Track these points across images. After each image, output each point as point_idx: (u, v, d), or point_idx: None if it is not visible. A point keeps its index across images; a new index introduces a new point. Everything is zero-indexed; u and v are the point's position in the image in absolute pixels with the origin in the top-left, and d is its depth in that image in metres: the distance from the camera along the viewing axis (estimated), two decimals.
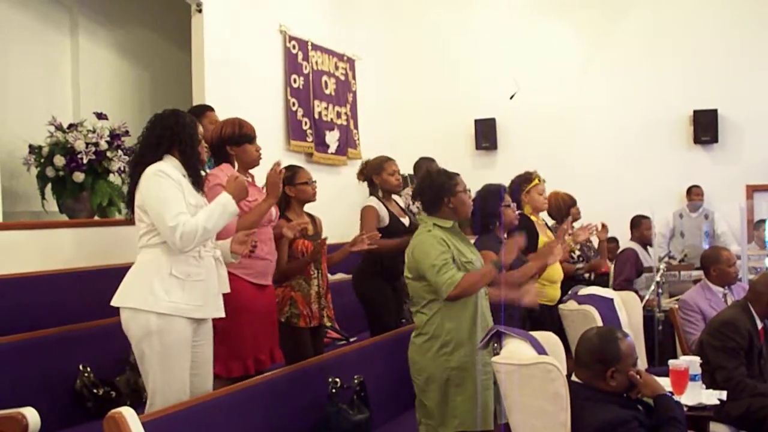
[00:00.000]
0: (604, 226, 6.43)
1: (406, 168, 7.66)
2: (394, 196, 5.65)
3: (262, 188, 4.38)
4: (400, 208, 5.60)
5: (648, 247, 7.73)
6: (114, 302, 3.56)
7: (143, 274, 3.53)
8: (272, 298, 4.48)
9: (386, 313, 5.34)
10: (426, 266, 3.83)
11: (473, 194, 4.65)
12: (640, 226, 7.68)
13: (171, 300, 3.48)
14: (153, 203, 3.51)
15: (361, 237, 4.89)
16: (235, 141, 4.32)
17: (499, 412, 3.89)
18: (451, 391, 3.84)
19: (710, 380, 4.56)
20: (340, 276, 6.47)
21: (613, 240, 8.28)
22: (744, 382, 4.52)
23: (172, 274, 3.51)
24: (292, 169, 4.81)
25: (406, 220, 5.47)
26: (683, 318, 5.76)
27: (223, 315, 3.75)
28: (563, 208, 6.37)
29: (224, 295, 3.80)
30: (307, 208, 4.91)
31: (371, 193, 5.49)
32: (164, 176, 3.51)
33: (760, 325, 4.78)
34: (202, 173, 4.40)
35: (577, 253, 6.19)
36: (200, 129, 3.76)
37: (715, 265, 5.71)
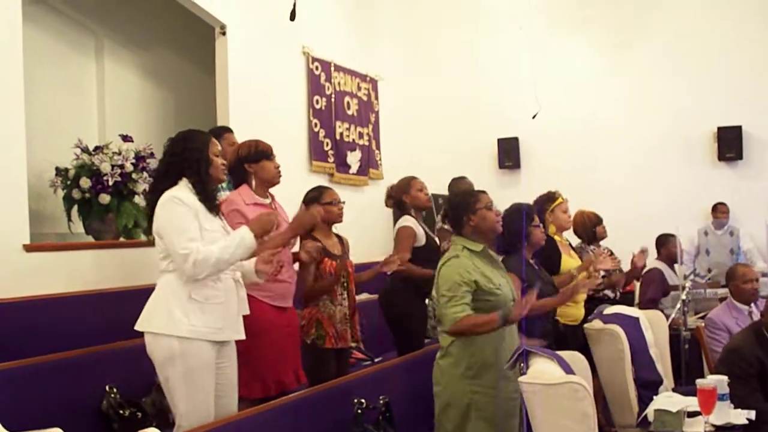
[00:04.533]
0: (643, 252, 6.36)
1: (429, 188, 7.65)
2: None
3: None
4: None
5: (675, 266, 7.68)
6: (138, 326, 3.60)
7: (163, 298, 3.57)
8: (293, 320, 4.49)
9: (414, 334, 5.33)
10: (440, 293, 3.84)
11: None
12: (667, 244, 7.63)
13: (191, 323, 3.51)
14: (166, 230, 3.55)
15: (393, 258, 4.89)
16: (252, 158, 4.34)
17: None
18: (472, 415, 3.82)
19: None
20: (365, 296, 6.47)
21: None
22: (761, 408, 4.41)
23: (191, 297, 3.53)
24: (319, 189, 4.83)
25: (438, 240, 5.51)
26: (709, 336, 5.70)
27: (243, 337, 3.77)
28: (589, 226, 6.34)
29: (244, 317, 3.81)
30: None
31: (404, 213, 5.47)
32: (178, 203, 3.53)
33: None
34: (220, 194, 4.46)
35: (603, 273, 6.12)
36: (215, 147, 3.74)
37: (731, 281, 5.69)
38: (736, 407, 4.33)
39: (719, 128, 9.33)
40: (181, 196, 3.55)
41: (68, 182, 5.71)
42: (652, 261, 7.85)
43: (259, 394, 4.14)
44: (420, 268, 5.20)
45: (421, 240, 5.34)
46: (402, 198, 5.45)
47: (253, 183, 4.37)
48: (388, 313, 5.44)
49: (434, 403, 3.98)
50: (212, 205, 3.69)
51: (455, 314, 3.75)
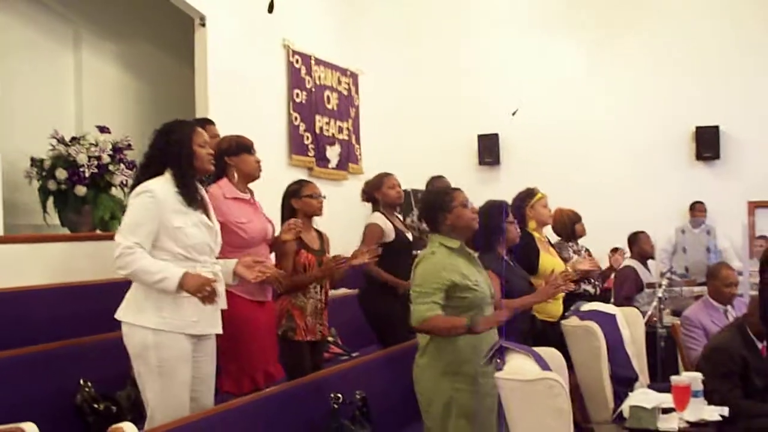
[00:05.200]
0: (617, 252, 6.41)
1: (409, 184, 7.68)
2: (397, 215, 5.68)
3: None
4: (403, 224, 5.65)
5: (648, 263, 7.71)
6: (116, 315, 3.58)
7: (139, 289, 3.54)
8: (272, 314, 4.49)
9: (397, 329, 5.33)
10: (413, 287, 3.84)
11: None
12: (638, 241, 7.67)
13: (163, 316, 3.48)
14: (125, 215, 3.56)
15: (362, 251, 4.88)
16: (233, 152, 4.35)
17: None
18: (454, 412, 3.80)
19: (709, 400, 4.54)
20: (343, 291, 6.45)
21: (618, 249, 8.23)
22: (739, 405, 4.45)
23: None
24: (299, 183, 4.82)
25: (410, 236, 5.55)
26: (685, 334, 5.74)
27: (220, 331, 3.74)
28: (568, 224, 6.35)
29: (227, 313, 3.79)
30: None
31: (374, 210, 5.51)
32: (147, 196, 3.49)
33: (760, 345, 4.74)
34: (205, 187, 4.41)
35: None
36: (201, 138, 3.69)
37: (712, 280, 5.73)
38: (715, 403, 4.37)
39: (697, 128, 9.42)
40: (154, 188, 3.51)
41: (44, 173, 5.66)
42: (625, 259, 7.90)
43: (249, 388, 4.14)
44: (388, 274, 5.29)
45: (390, 235, 5.38)
46: (374, 194, 5.49)
47: (234, 177, 4.35)
48: (367, 314, 5.49)
49: (418, 403, 3.96)
50: (193, 200, 3.62)
51: (424, 312, 3.74)
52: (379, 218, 5.42)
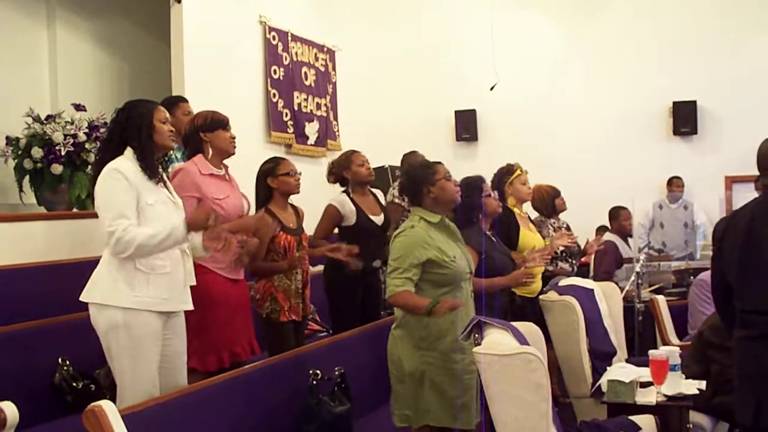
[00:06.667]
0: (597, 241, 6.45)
1: (386, 160, 7.69)
2: (377, 192, 5.61)
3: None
4: (379, 204, 5.52)
5: (628, 239, 7.76)
6: (82, 297, 3.55)
7: (108, 268, 3.51)
8: (245, 291, 4.47)
9: (347, 309, 5.30)
10: (391, 259, 3.87)
11: None
12: (618, 217, 7.70)
13: (135, 294, 3.47)
14: (100, 203, 3.49)
15: (339, 246, 4.86)
16: (207, 128, 4.29)
17: (477, 410, 3.89)
18: (427, 385, 3.82)
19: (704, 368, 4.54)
20: (319, 268, 6.43)
21: (604, 228, 8.27)
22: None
23: (137, 267, 3.48)
24: (274, 161, 4.76)
25: (379, 219, 5.39)
26: (698, 295, 5.78)
27: (190, 308, 3.73)
28: (547, 199, 6.37)
29: (197, 288, 3.77)
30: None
31: (346, 189, 5.43)
32: (117, 176, 3.45)
33: None
34: (173, 164, 4.38)
35: (561, 249, 6.12)
36: (161, 115, 3.66)
37: None
38: (713, 370, 4.41)
39: (674, 103, 9.45)
40: (122, 168, 3.48)
41: (19, 152, 5.61)
42: (605, 234, 7.94)
43: (214, 366, 4.12)
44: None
45: (350, 219, 5.27)
46: (343, 174, 5.41)
47: (209, 153, 4.31)
48: (325, 288, 5.44)
49: (389, 374, 3.98)
50: (154, 173, 3.59)
51: (395, 286, 3.78)
52: (338, 201, 5.32)
